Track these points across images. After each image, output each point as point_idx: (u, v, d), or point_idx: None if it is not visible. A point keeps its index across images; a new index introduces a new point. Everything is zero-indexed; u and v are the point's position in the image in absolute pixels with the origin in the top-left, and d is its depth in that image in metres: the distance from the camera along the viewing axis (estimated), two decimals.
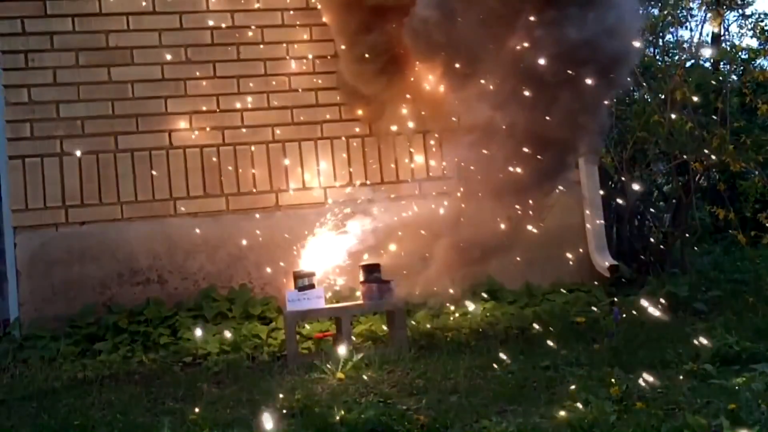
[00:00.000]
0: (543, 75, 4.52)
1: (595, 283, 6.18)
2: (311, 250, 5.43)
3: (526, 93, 4.62)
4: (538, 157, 4.70)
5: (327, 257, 5.38)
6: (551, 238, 6.26)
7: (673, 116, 6.29)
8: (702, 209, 7.66)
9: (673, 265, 6.57)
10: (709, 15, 6.55)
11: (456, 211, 5.20)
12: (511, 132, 4.71)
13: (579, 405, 3.35)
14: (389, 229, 5.61)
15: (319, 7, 6.05)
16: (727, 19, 8.55)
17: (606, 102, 5.00)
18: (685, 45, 7.40)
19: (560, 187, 5.29)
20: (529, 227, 5.06)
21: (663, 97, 6.48)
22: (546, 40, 4.51)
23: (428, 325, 5.39)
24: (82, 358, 5.19)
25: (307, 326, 5.35)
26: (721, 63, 7.53)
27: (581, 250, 6.40)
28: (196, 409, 3.72)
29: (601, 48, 4.49)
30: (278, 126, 6.11)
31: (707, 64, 7.76)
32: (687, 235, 6.67)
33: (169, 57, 5.96)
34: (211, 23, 6.05)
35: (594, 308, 5.50)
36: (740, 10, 6.74)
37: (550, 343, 4.68)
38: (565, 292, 6.04)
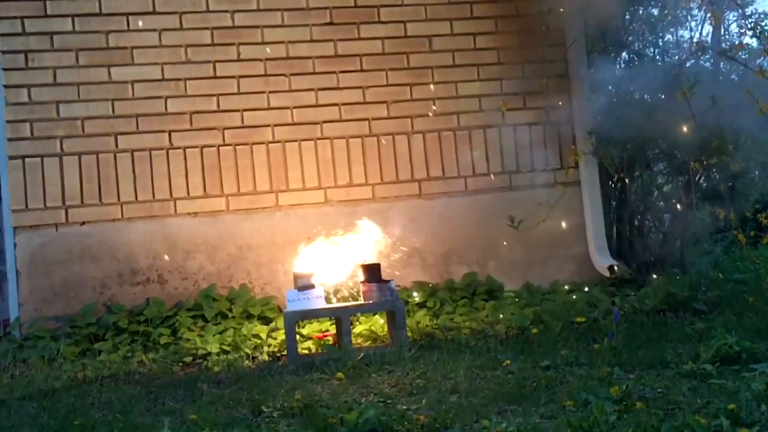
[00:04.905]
0: None
1: (595, 283, 6.18)
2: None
3: None
4: None
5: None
6: (551, 238, 6.29)
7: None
8: (702, 209, 7.65)
9: (673, 265, 6.57)
10: (709, 14, 6.56)
11: None
12: None
13: (579, 405, 3.35)
14: None
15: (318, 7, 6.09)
16: (728, 19, 8.55)
17: None
18: (685, 45, 7.40)
19: None
20: None
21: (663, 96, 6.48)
22: None
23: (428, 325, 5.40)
24: (82, 358, 5.19)
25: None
26: (721, 63, 7.52)
27: (581, 250, 6.41)
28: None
29: None
30: (278, 126, 6.11)
31: (707, 64, 7.76)
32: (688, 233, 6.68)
33: (169, 57, 5.97)
34: (211, 23, 6.05)
35: (594, 308, 5.50)
36: (740, 10, 6.74)
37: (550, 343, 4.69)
38: (565, 292, 6.05)
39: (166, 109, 5.94)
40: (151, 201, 5.87)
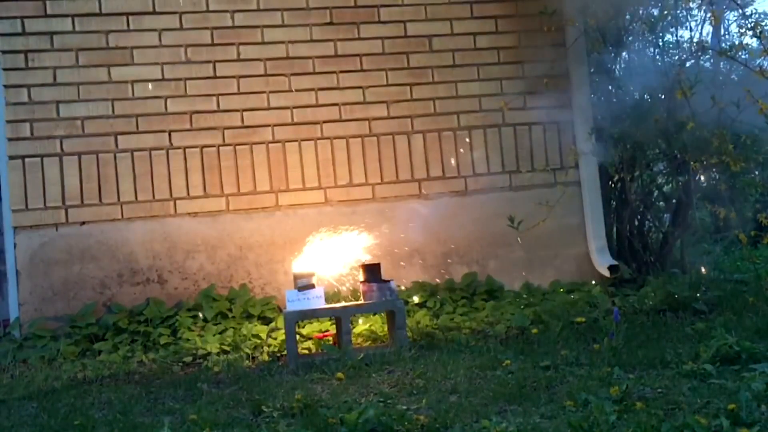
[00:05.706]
0: None
1: (595, 283, 6.17)
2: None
3: None
4: None
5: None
6: (551, 238, 6.29)
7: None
8: (702, 209, 7.65)
9: (673, 265, 6.57)
10: (709, 14, 6.56)
11: None
12: None
13: (579, 405, 3.35)
14: None
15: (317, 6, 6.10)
16: (727, 19, 8.55)
17: None
18: (685, 45, 7.40)
19: None
20: None
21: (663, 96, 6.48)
22: None
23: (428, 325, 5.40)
24: (82, 358, 5.20)
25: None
26: (721, 63, 7.53)
27: (581, 250, 6.41)
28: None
29: None
30: (278, 126, 6.11)
31: (707, 64, 7.76)
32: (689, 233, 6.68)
33: (169, 57, 5.97)
34: (211, 23, 6.05)
35: (594, 308, 5.50)
36: (740, 10, 6.74)
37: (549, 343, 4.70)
38: (565, 292, 6.05)
39: (166, 109, 5.94)
40: (151, 201, 5.87)
